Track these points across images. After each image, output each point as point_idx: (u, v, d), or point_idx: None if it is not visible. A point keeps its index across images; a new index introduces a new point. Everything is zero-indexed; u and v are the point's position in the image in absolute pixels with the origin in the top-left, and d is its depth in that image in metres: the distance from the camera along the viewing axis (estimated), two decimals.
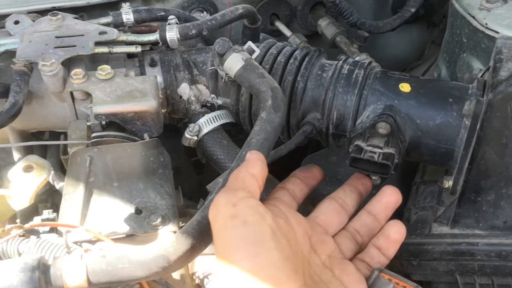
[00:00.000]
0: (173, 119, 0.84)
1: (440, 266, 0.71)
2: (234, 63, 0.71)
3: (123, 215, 0.67)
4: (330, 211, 0.64)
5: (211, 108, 0.83)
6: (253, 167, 0.57)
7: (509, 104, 0.61)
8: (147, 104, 0.72)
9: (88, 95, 0.74)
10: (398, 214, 0.74)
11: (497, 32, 0.84)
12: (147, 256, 0.53)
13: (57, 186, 0.76)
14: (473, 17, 0.87)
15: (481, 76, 0.73)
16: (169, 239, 0.55)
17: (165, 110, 0.82)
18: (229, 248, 0.49)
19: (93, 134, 0.71)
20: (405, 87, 0.73)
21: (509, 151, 0.63)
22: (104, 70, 0.73)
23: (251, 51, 0.72)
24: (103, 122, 0.73)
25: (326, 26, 1.10)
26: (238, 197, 0.52)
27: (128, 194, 0.69)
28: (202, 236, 0.56)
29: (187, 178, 1.03)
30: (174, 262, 0.54)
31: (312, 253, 0.57)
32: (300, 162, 0.92)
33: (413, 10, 1.10)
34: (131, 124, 0.73)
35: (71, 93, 0.75)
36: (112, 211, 0.68)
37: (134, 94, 0.73)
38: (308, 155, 0.93)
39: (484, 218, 0.69)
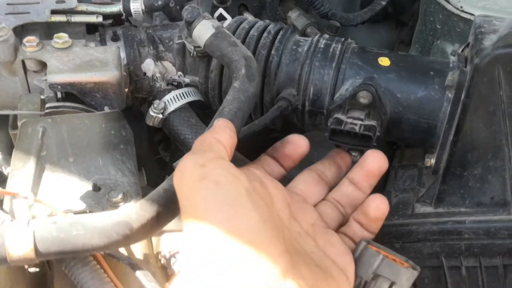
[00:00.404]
0: (136, 99, 0.78)
1: (424, 248, 0.66)
2: (204, 30, 0.66)
3: (79, 192, 0.60)
4: (309, 181, 0.59)
5: (178, 86, 0.77)
6: (220, 134, 0.51)
7: (497, 67, 0.58)
8: (109, 74, 0.66)
9: (42, 66, 0.68)
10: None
11: (473, 15, 0.83)
12: (106, 222, 0.47)
13: (6, 172, 0.68)
14: (447, 1, 0.86)
15: (461, 51, 0.71)
16: (131, 206, 0.49)
17: (127, 89, 0.76)
18: (201, 212, 0.43)
19: (47, 105, 0.64)
20: (384, 61, 0.70)
21: (497, 119, 0.60)
22: (61, 38, 0.67)
23: (222, 19, 0.67)
24: (59, 94, 0.66)
25: (296, 17, 1.07)
26: (206, 158, 0.46)
27: (85, 171, 0.62)
28: (168, 204, 0.50)
29: (150, 172, 0.96)
30: (137, 230, 0.47)
31: (292, 220, 0.52)
32: None
33: (383, 3, 1.08)
34: (90, 96, 0.67)
35: (23, 64, 0.68)
36: (67, 188, 0.60)
37: (94, 64, 0.66)
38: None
39: (471, 194, 0.65)
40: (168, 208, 0.50)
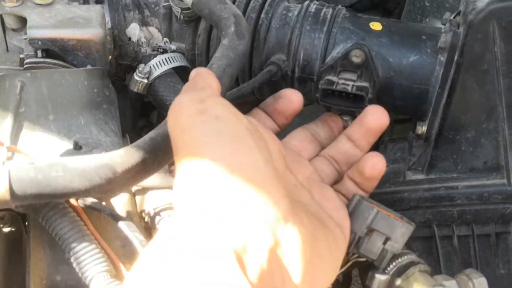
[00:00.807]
0: (120, 66, 0.75)
1: (416, 216, 0.65)
2: None
3: (59, 151, 0.57)
4: (302, 137, 0.57)
5: (164, 53, 0.74)
6: (207, 78, 0.47)
7: (491, 23, 0.57)
8: (92, 31, 0.64)
9: (22, 24, 0.65)
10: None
11: None
12: (89, 165, 0.44)
13: None
14: None
15: (453, 18, 0.70)
16: (116, 151, 0.46)
17: (111, 55, 0.73)
18: (200, 147, 0.40)
19: (27, 60, 0.61)
20: (376, 26, 0.69)
21: (491, 78, 0.59)
22: None
23: None
24: (39, 53, 0.63)
25: None
26: (204, 94, 0.44)
27: (66, 129, 0.59)
28: (155, 152, 0.47)
29: None
30: (121, 175, 0.44)
31: (288, 172, 0.49)
32: None
33: None
34: (72, 55, 0.64)
35: (2, 20, 0.65)
36: (47, 146, 0.57)
37: (77, 21, 0.64)
38: None
39: (463, 159, 0.63)
40: (155, 156, 0.47)
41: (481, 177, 0.63)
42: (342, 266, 0.54)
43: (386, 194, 0.65)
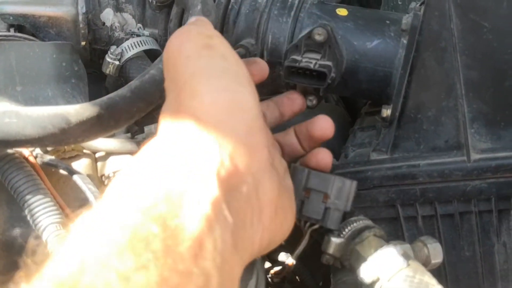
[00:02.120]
0: (94, 52, 0.77)
1: (380, 195, 0.65)
2: None
3: None
4: (266, 107, 0.58)
5: None
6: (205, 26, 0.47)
7: (447, 1, 0.59)
8: (63, 9, 0.66)
9: None
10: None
11: None
12: (42, 113, 0.45)
13: None
14: None
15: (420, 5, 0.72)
16: (71, 105, 0.47)
17: (85, 42, 0.75)
18: (202, 78, 0.39)
19: None
20: (342, 12, 0.70)
21: (448, 55, 0.60)
22: None
23: None
24: (11, 27, 0.64)
25: None
26: (213, 32, 0.44)
27: (33, 101, 0.60)
28: (112, 110, 0.48)
29: None
30: (74, 126, 0.45)
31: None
32: None
33: None
34: (44, 31, 0.65)
35: None
36: None
37: None
38: None
39: (425, 138, 0.64)
40: (111, 113, 0.48)
41: (443, 155, 0.63)
42: (300, 242, 0.55)
43: (349, 174, 0.66)
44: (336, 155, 0.78)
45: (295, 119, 0.80)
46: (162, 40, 0.75)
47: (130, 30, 0.76)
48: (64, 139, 0.45)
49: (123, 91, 0.51)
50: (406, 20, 0.65)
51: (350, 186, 0.50)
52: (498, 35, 0.59)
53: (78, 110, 0.46)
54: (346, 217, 0.54)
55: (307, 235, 0.54)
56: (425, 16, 0.60)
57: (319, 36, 0.63)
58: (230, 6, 0.72)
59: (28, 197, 0.47)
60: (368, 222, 0.53)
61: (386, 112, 0.68)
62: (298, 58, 0.65)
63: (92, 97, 0.69)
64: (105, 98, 0.49)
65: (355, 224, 0.52)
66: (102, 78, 0.80)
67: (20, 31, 0.65)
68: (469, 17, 0.59)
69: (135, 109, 0.51)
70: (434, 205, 0.65)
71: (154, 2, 0.72)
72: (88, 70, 0.77)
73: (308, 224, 0.52)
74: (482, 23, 0.59)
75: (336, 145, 0.79)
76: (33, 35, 0.65)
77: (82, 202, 0.51)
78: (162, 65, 0.55)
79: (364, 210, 0.67)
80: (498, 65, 0.60)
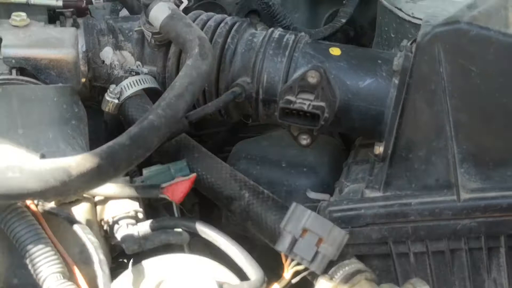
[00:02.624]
0: (94, 89, 0.79)
1: (373, 232, 0.67)
2: (160, 12, 0.68)
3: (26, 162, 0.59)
4: None
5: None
6: None
7: (437, 45, 0.61)
8: (64, 51, 0.67)
9: None
10: None
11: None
12: (44, 167, 0.46)
13: None
14: (400, 9, 0.90)
15: (410, 45, 0.74)
16: (72, 156, 0.49)
17: (85, 79, 0.76)
18: None
19: (0, 77, 0.64)
20: (335, 51, 0.73)
21: (438, 97, 0.62)
22: (19, 16, 0.69)
23: (179, 3, 0.70)
24: (13, 70, 0.66)
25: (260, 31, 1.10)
26: None
27: (34, 143, 0.62)
28: (112, 160, 0.50)
29: None
30: (76, 178, 0.47)
31: None
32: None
33: (343, 20, 1.12)
34: (45, 73, 0.67)
35: None
36: (14, 159, 0.60)
37: (50, 41, 0.68)
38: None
39: (417, 177, 0.66)
40: (111, 163, 0.50)
41: (433, 194, 0.65)
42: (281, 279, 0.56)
43: (343, 211, 0.67)
44: (330, 189, 0.80)
45: (291, 153, 0.82)
46: (160, 77, 0.77)
47: (129, 67, 0.78)
48: (65, 191, 0.47)
49: (122, 139, 0.52)
50: (397, 61, 0.67)
51: (343, 237, 0.52)
52: (485, 79, 0.60)
53: (79, 162, 0.48)
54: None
55: (290, 272, 0.55)
56: (415, 59, 0.62)
57: (312, 78, 0.65)
58: (226, 46, 0.73)
59: (29, 246, 0.48)
60: (360, 266, 0.54)
61: (379, 149, 0.69)
62: (292, 99, 0.67)
63: (92, 131, 0.71)
64: (104, 147, 0.51)
65: (347, 268, 0.53)
66: (102, 111, 0.82)
67: (22, 73, 0.67)
68: (457, 61, 0.61)
69: (134, 156, 0.53)
70: (426, 242, 0.66)
71: (153, 41, 0.74)
72: (87, 103, 0.78)
73: (294, 262, 0.53)
74: (470, 67, 0.61)
75: (330, 178, 0.81)
76: (34, 76, 0.67)
77: (82, 248, 0.53)
78: (160, 110, 0.57)
79: (358, 247, 0.69)
80: (486, 108, 0.62)
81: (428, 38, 0.60)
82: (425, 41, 0.61)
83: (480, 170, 0.64)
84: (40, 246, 0.48)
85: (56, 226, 0.53)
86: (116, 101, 0.74)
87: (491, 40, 0.59)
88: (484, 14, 0.62)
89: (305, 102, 0.66)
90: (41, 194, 0.46)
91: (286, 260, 0.53)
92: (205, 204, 0.82)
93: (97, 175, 0.49)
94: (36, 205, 0.52)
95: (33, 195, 0.46)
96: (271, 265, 0.58)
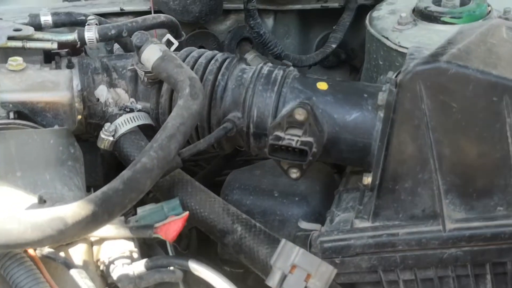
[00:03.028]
0: (90, 126, 0.81)
1: (363, 262, 0.69)
2: (151, 54, 0.70)
3: (25, 205, 0.62)
4: None
5: (130, 113, 0.80)
6: None
7: (418, 83, 0.63)
8: (59, 94, 0.70)
9: None
10: None
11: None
12: (41, 217, 0.48)
13: None
14: (387, 38, 0.92)
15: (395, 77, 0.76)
16: (68, 205, 0.51)
17: (81, 115, 0.79)
18: None
19: None
20: (322, 86, 0.75)
21: (421, 132, 0.64)
22: (15, 60, 0.71)
23: (170, 44, 0.72)
24: (11, 114, 0.68)
25: (252, 59, 1.13)
26: None
27: (32, 185, 0.64)
28: (106, 205, 0.52)
29: None
30: (72, 226, 0.49)
31: None
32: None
33: (334, 46, 1.15)
34: (41, 116, 0.70)
35: None
36: (13, 202, 0.62)
37: (46, 84, 0.70)
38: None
39: (404, 207, 0.68)
40: (105, 208, 0.52)
41: (420, 224, 0.67)
42: None
43: (334, 242, 0.69)
44: (322, 217, 0.82)
45: (283, 182, 0.84)
46: (154, 113, 0.79)
47: (124, 104, 0.80)
48: (62, 239, 0.49)
49: (115, 183, 0.55)
50: (382, 96, 0.69)
51: (331, 272, 0.54)
52: (465, 114, 0.63)
53: (75, 210, 0.50)
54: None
55: None
56: (398, 96, 0.64)
57: (299, 115, 0.68)
58: (217, 83, 0.76)
59: None
60: None
61: (367, 179, 0.71)
62: (281, 135, 0.69)
63: (88, 165, 0.73)
64: (99, 193, 0.53)
65: None
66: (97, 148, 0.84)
67: (19, 116, 0.69)
68: (438, 98, 0.63)
69: (127, 200, 0.55)
70: (414, 270, 0.68)
71: (146, 79, 0.77)
72: (84, 136, 0.81)
73: None
74: (451, 104, 0.63)
75: (322, 207, 0.83)
76: (31, 119, 0.69)
77: None
78: (152, 152, 0.60)
79: (349, 275, 0.71)
80: (466, 142, 0.64)
81: (409, 76, 0.63)
82: (407, 79, 0.63)
83: (465, 201, 0.66)
84: None
85: (54, 269, 0.55)
86: (111, 138, 0.76)
87: (469, 78, 0.61)
88: (463, 51, 0.64)
89: (293, 138, 0.68)
90: (39, 243, 0.48)
91: None
92: None
93: (92, 222, 0.51)
94: (35, 250, 0.54)
95: (31, 244, 0.48)
96: None
